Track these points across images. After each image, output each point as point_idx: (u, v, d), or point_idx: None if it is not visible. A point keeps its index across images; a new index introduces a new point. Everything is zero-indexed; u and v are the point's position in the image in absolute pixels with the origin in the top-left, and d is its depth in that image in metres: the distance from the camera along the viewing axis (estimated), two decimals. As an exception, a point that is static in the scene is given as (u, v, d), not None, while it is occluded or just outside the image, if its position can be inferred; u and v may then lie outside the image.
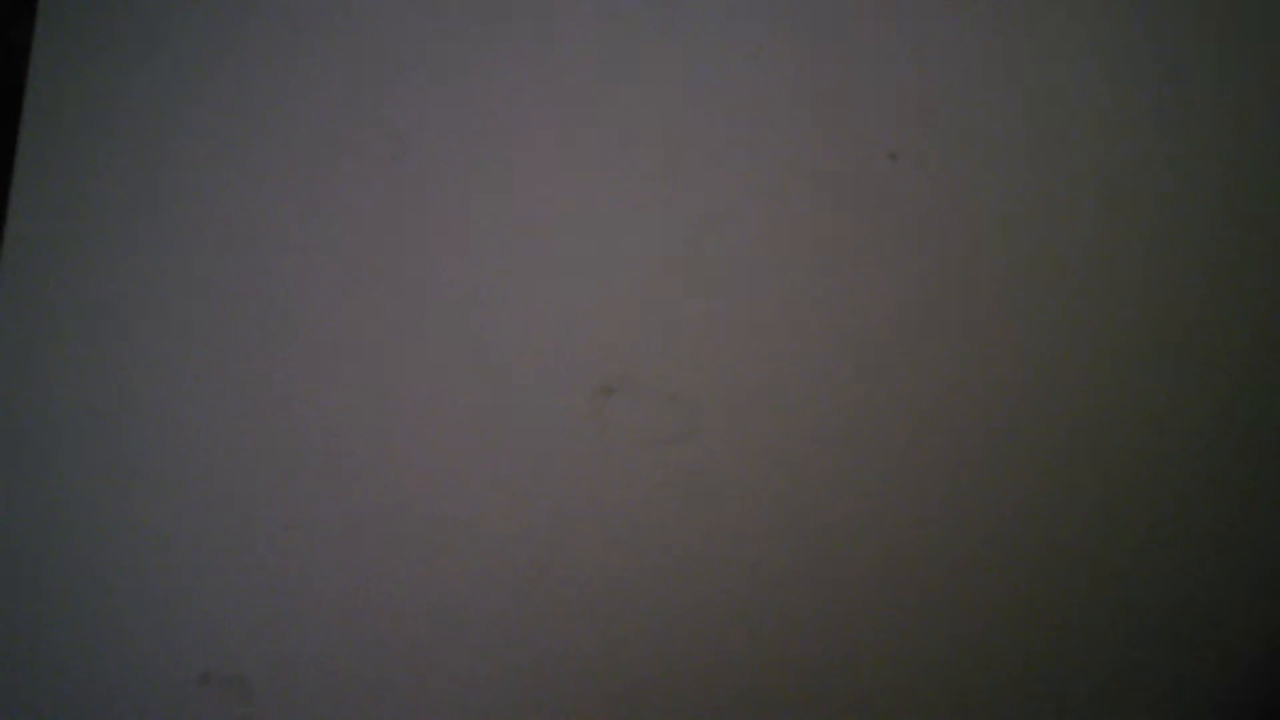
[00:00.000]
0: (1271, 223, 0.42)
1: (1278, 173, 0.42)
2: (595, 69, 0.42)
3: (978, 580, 0.40)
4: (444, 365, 0.41)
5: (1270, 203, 0.42)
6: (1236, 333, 0.41)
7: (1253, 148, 0.42)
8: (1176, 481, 0.41)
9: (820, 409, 0.41)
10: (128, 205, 0.41)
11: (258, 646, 0.39)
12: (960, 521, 0.40)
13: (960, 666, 0.40)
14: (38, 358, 0.41)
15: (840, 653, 0.39)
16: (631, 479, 0.40)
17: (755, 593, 0.40)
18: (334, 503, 0.40)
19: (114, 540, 0.40)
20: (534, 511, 0.40)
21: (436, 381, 0.40)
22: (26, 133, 0.42)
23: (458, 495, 0.40)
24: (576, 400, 0.40)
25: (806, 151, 0.42)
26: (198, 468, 0.40)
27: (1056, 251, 0.41)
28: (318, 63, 0.42)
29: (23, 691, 0.39)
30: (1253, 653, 0.40)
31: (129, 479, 0.40)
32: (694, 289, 0.41)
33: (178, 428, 0.40)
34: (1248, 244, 0.42)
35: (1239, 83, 0.43)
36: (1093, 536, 0.40)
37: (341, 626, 0.39)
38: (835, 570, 0.40)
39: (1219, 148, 0.42)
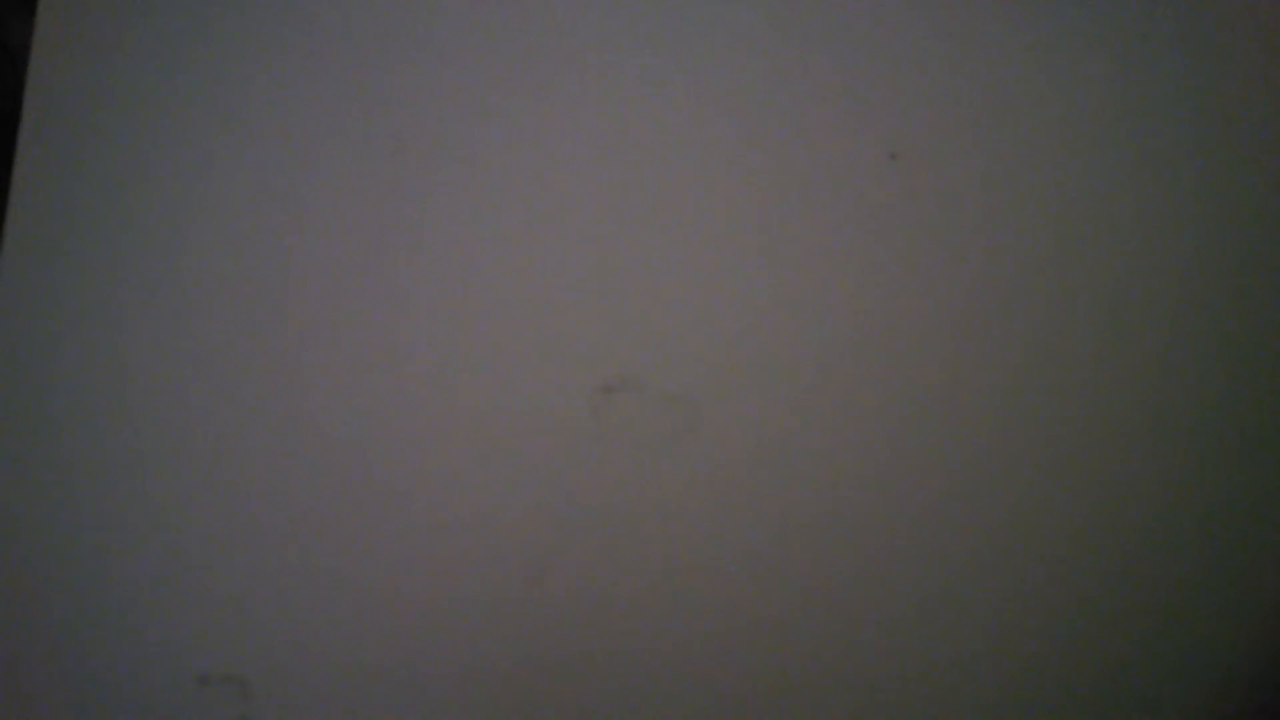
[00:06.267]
0: (1272, 223, 0.42)
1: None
2: (595, 67, 0.42)
3: (980, 579, 0.40)
4: (443, 364, 0.41)
5: (1270, 203, 0.42)
6: (1239, 331, 0.41)
7: (1262, 146, 0.42)
8: (1177, 480, 0.41)
9: (821, 408, 0.40)
10: (127, 204, 0.41)
11: (257, 646, 0.39)
12: (963, 520, 0.40)
13: (962, 665, 0.40)
14: (37, 357, 0.41)
15: (841, 652, 0.39)
16: (632, 478, 0.40)
17: (756, 592, 0.40)
18: (333, 503, 0.40)
19: (113, 540, 0.40)
20: (534, 511, 0.40)
21: (435, 381, 0.40)
22: (26, 133, 0.42)
23: (457, 495, 0.40)
24: (576, 399, 0.40)
25: (806, 151, 0.42)
26: (197, 467, 0.40)
27: (1060, 251, 0.41)
28: (317, 59, 0.42)
29: (20, 691, 0.39)
30: (1253, 653, 0.40)
31: (128, 478, 0.40)
32: (694, 288, 0.41)
33: (177, 427, 0.40)
34: (1254, 242, 0.42)
35: (1251, 80, 0.43)
36: (1096, 536, 0.40)
37: (341, 627, 0.39)
38: (836, 569, 0.40)
39: (1226, 146, 0.42)
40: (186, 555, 0.40)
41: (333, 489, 0.40)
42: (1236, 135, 0.42)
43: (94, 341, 0.41)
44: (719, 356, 0.41)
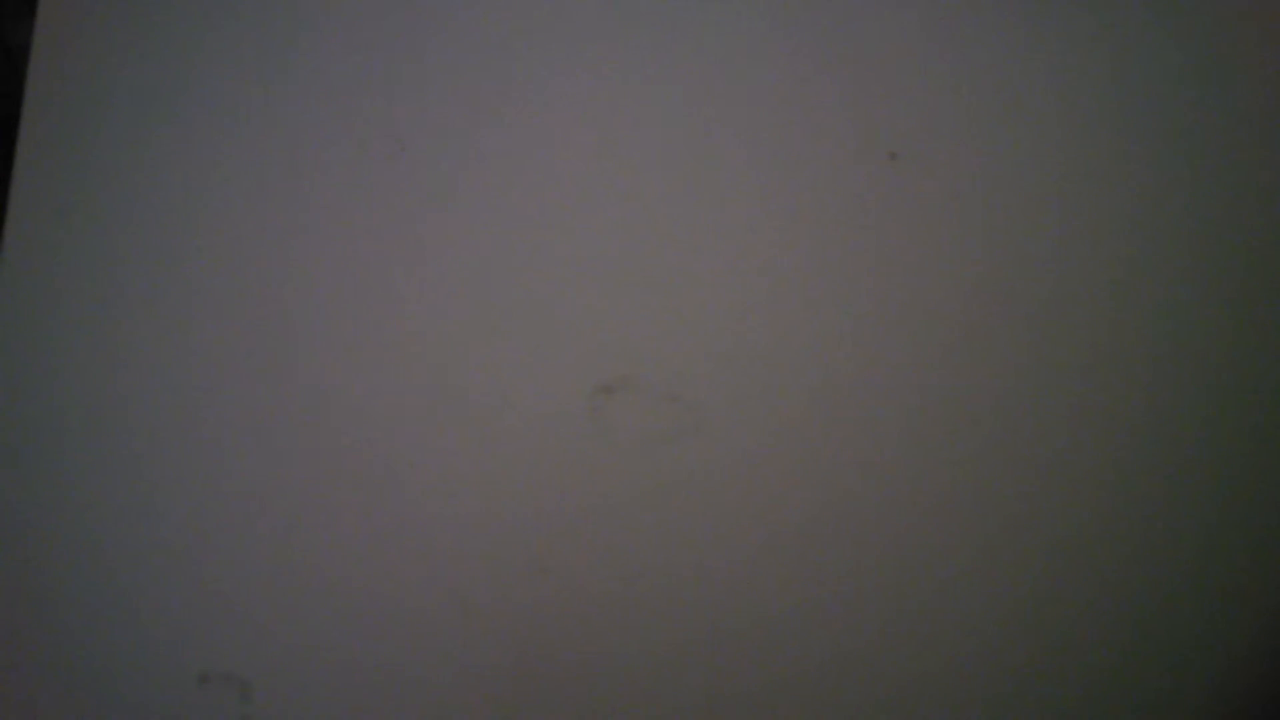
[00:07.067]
0: (1274, 224, 0.42)
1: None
2: (595, 68, 0.42)
3: (981, 578, 0.40)
4: (442, 364, 0.41)
5: (1271, 202, 0.42)
6: (1241, 331, 0.41)
7: (1263, 147, 0.42)
8: (1177, 480, 0.41)
9: (821, 409, 0.40)
10: (127, 204, 0.41)
11: (258, 646, 0.39)
12: (963, 520, 0.40)
13: (962, 665, 0.40)
14: (37, 357, 0.41)
15: (841, 652, 0.39)
16: (631, 479, 0.40)
17: (755, 592, 0.40)
18: (333, 502, 0.40)
19: (113, 539, 0.40)
20: (533, 511, 0.40)
21: (435, 380, 0.40)
22: (26, 133, 0.42)
23: (456, 495, 0.40)
24: (576, 400, 0.40)
25: (806, 151, 0.42)
26: (196, 467, 0.40)
27: (1060, 251, 0.41)
28: (317, 60, 0.42)
29: (21, 690, 0.39)
30: (1253, 654, 0.40)
31: (128, 478, 0.40)
32: (694, 288, 0.41)
33: (177, 427, 0.40)
34: (1256, 243, 0.42)
35: (1249, 81, 0.43)
36: (1096, 538, 0.40)
37: (341, 626, 0.39)
38: (836, 570, 0.40)
39: (1227, 144, 0.42)
40: (187, 555, 0.40)
41: (333, 489, 0.40)
42: (1238, 135, 0.42)
43: (94, 341, 0.41)
44: (719, 356, 0.41)
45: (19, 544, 0.40)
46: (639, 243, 0.41)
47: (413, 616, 0.39)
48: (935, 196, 0.42)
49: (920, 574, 0.40)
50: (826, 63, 0.42)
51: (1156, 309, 0.41)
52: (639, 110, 0.42)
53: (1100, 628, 0.40)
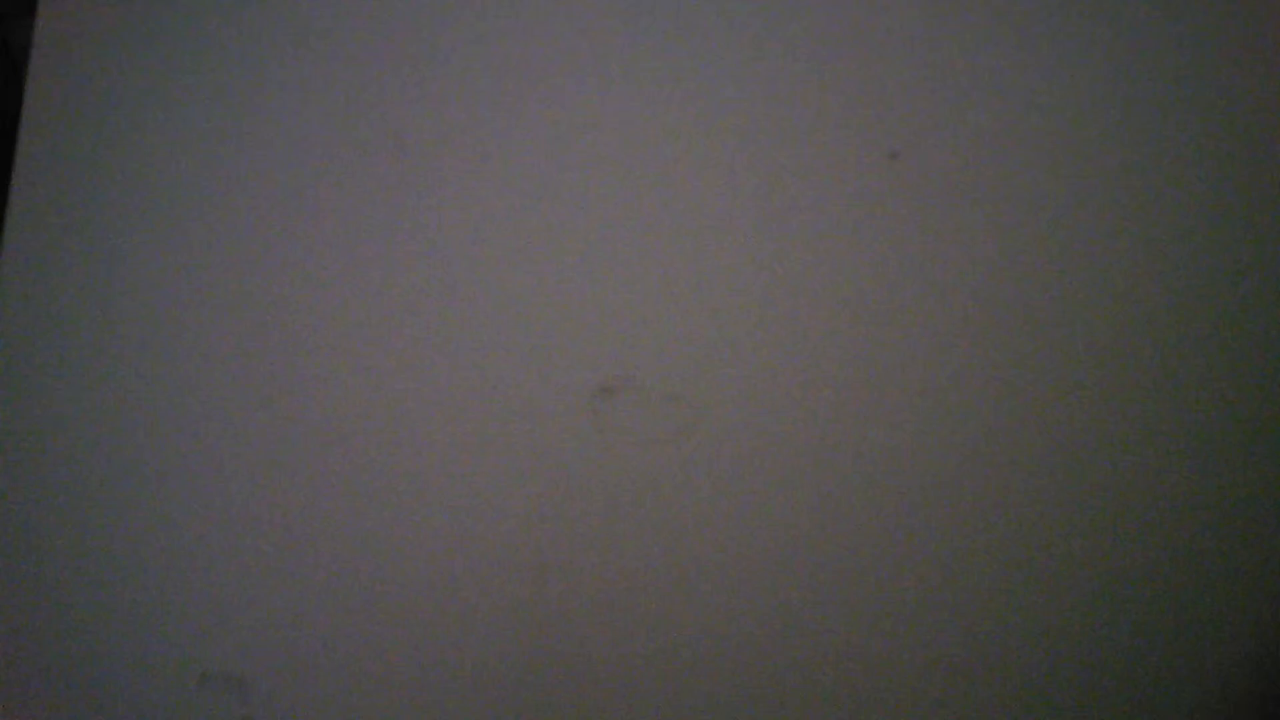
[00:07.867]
0: (1273, 221, 0.42)
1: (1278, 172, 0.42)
2: (596, 68, 0.42)
3: (979, 579, 0.40)
4: (443, 364, 0.41)
5: (1272, 202, 0.42)
6: (1243, 333, 0.41)
7: (1265, 145, 0.42)
8: (1178, 481, 0.41)
9: (821, 409, 0.40)
10: (128, 205, 0.41)
11: (257, 646, 0.39)
12: (963, 521, 0.40)
13: (960, 665, 0.40)
14: (37, 357, 0.41)
15: (840, 651, 0.39)
16: (631, 479, 0.40)
17: (755, 592, 0.40)
18: (333, 502, 0.40)
19: (113, 539, 0.40)
20: (534, 511, 0.40)
21: (435, 381, 0.40)
22: (26, 133, 0.42)
23: (457, 495, 0.40)
24: (576, 400, 0.40)
25: (806, 151, 0.42)
26: (197, 467, 0.40)
27: (1060, 251, 0.41)
28: (317, 61, 0.42)
29: (20, 690, 0.39)
30: (1253, 654, 0.40)
31: (128, 478, 0.40)
32: (694, 289, 0.41)
33: (176, 426, 0.40)
34: (1257, 243, 0.42)
35: (1249, 82, 0.43)
36: (1095, 538, 0.40)
37: (341, 627, 0.39)
38: (836, 570, 0.40)
39: (1228, 145, 0.42)
40: (186, 555, 0.40)
41: (333, 490, 0.40)
42: (1239, 134, 0.42)
43: (94, 341, 0.41)
44: (719, 357, 0.41)
45: (19, 544, 0.40)
46: (639, 243, 0.41)
47: (413, 616, 0.39)
48: (935, 196, 0.42)
49: (920, 573, 0.40)
50: (826, 62, 0.42)
51: (1157, 308, 0.41)
52: (639, 110, 0.42)
53: (1100, 627, 0.40)
